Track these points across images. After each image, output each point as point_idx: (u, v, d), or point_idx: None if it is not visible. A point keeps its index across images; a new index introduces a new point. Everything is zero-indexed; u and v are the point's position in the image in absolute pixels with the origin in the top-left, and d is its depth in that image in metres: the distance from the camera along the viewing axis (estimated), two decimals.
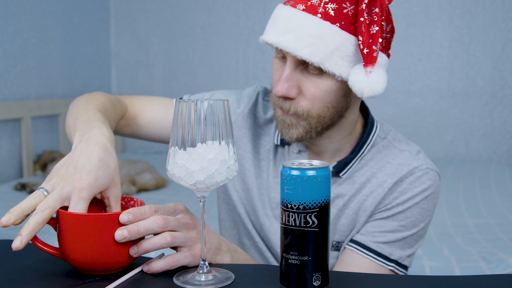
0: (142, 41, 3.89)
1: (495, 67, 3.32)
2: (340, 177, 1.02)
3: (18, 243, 0.71)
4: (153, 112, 1.11)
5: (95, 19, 3.70)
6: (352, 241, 1.01)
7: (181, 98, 1.14)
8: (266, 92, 1.15)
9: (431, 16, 3.40)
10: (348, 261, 0.99)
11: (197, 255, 0.78)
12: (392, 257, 0.99)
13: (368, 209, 1.01)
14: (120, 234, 0.73)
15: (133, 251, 0.76)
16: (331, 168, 1.02)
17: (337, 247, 1.04)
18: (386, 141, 1.04)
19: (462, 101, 3.40)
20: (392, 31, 0.96)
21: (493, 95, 3.34)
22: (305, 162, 0.72)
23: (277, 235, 1.07)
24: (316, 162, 0.71)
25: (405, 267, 1.01)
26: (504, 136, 3.35)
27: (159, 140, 1.14)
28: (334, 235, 1.04)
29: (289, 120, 0.96)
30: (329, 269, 1.03)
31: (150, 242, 0.76)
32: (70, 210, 0.74)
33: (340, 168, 1.02)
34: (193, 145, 0.69)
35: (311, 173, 0.68)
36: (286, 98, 0.94)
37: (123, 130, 1.10)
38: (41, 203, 0.73)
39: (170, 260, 0.77)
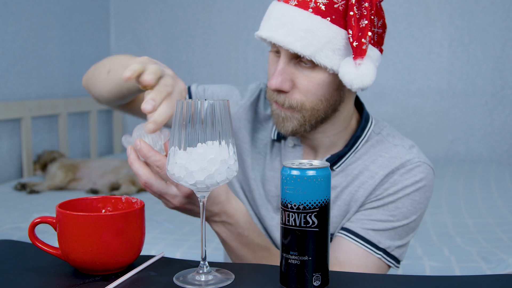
0: (142, 41, 3.89)
1: (495, 67, 3.32)
2: (333, 170, 1.04)
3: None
4: None
5: (95, 19, 3.70)
6: (341, 228, 1.02)
7: (189, 87, 1.18)
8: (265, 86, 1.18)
9: (431, 16, 3.40)
10: (337, 248, 0.99)
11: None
12: (381, 246, 0.99)
13: (359, 199, 1.02)
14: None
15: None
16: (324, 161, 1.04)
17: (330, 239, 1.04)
18: (380, 136, 1.06)
19: (462, 101, 3.40)
20: (384, 26, 0.98)
21: (493, 95, 3.34)
22: (305, 162, 0.72)
23: (273, 222, 1.09)
24: (316, 162, 0.71)
25: (395, 259, 1.01)
26: (504, 136, 3.35)
27: None
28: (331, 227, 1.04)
29: (284, 113, 0.98)
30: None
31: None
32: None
33: (333, 161, 1.04)
34: (193, 145, 0.69)
35: (311, 173, 0.68)
36: (280, 92, 0.97)
37: (136, 102, 1.11)
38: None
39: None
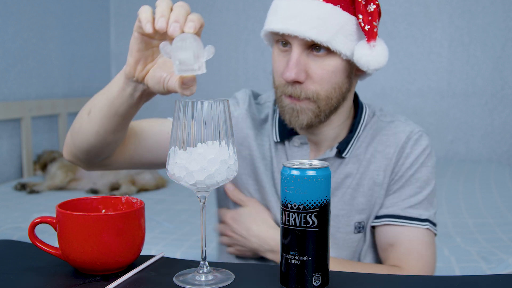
0: None
1: (495, 67, 3.32)
2: (344, 157, 1.07)
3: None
4: (154, 125, 1.05)
5: (95, 19, 3.70)
6: (379, 217, 1.06)
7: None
8: (254, 95, 1.18)
9: (431, 16, 3.40)
10: (384, 235, 1.05)
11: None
12: (423, 217, 1.05)
13: (384, 182, 1.06)
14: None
15: None
16: (335, 150, 1.07)
17: (359, 228, 1.07)
18: (375, 118, 1.11)
19: (462, 101, 3.40)
20: (379, 14, 1.01)
21: (493, 95, 3.34)
22: (305, 162, 0.72)
23: None
24: (316, 162, 0.71)
25: (435, 225, 1.07)
26: (504, 136, 3.35)
27: (160, 158, 1.05)
28: (354, 216, 1.07)
29: (299, 106, 0.99)
30: (359, 252, 1.08)
31: None
32: None
33: (343, 148, 1.06)
34: (193, 145, 0.69)
35: (311, 173, 0.68)
36: (295, 83, 0.98)
37: (122, 153, 1.01)
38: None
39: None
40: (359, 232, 1.07)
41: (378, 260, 1.11)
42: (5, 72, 2.86)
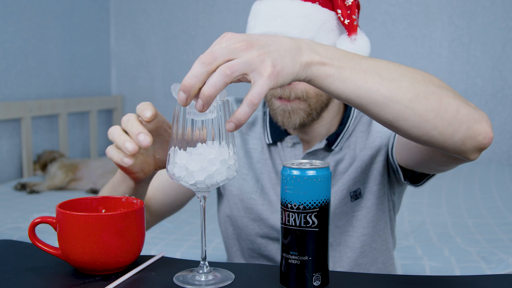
0: (142, 41, 3.89)
1: (495, 67, 3.32)
2: (333, 150, 1.07)
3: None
4: (156, 181, 1.10)
5: (95, 19, 3.70)
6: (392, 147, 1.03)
7: None
8: (237, 101, 1.18)
9: (431, 16, 3.40)
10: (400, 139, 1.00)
11: (273, 73, 0.65)
12: None
13: (389, 142, 1.03)
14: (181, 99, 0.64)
15: (199, 105, 0.64)
16: (324, 142, 1.06)
17: (356, 196, 1.06)
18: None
19: None
20: (358, 6, 1.02)
21: (493, 95, 3.34)
22: (305, 162, 0.72)
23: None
24: (316, 162, 0.71)
25: None
26: (504, 136, 3.35)
27: (178, 200, 1.12)
28: (350, 186, 1.05)
29: (290, 106, 0.99)
30: (356, 219, 1.05)
31: (208, 86, 0.64)
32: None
33: (332, 139, 1.06)
34: (193, 145, 0.69)
35: (311, 173, 0.68)
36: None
37: (152, 215, 1.10)
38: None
39: (250, 98, 0.63)
40: (356, 199, 1.06)
41: (375, 225, 1.08)
42: (5, 72, 2.86)
